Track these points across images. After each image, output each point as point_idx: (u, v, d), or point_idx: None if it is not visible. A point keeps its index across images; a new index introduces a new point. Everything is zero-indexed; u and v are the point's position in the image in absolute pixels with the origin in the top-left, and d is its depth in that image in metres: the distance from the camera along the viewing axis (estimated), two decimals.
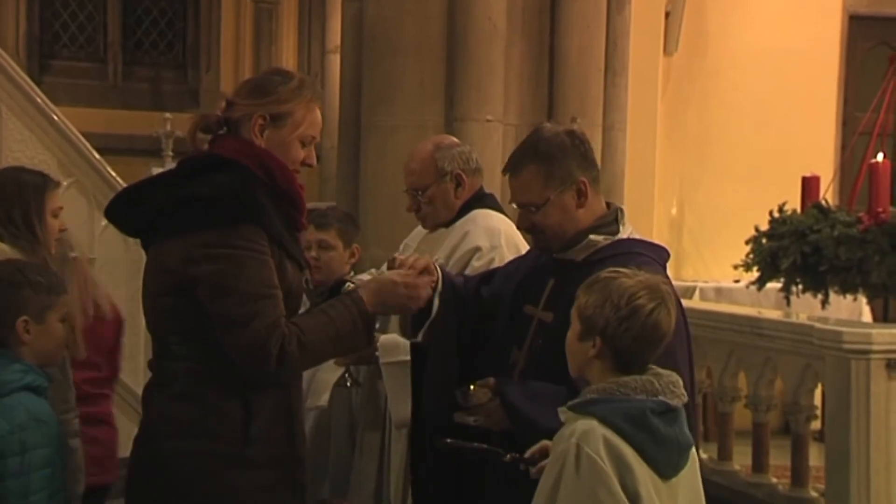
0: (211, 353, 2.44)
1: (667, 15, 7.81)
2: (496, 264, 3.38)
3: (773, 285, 5.96)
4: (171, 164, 6.53)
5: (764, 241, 5.88)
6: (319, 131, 2.64)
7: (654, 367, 2.29)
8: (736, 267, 6.17)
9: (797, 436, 4.79)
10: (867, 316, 6.89)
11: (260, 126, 2.54)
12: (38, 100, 5.51)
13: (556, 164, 2.68)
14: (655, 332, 2.26)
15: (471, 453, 2.59)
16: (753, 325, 4.85)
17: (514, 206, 2.78)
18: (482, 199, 3.61)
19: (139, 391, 2.70)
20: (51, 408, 2.75)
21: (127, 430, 3.14)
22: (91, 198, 5.51)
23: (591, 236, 2.69)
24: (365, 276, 3.63)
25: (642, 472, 2.18)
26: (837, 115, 8.64)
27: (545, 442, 2.36)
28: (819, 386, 4.64)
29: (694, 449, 2.36)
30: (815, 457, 4.84)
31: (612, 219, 2.75)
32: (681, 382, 2.30)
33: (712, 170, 8.22)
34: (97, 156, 5.61)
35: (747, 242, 6.01)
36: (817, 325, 4.36)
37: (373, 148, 5.16)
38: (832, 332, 4.22)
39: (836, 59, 8.58)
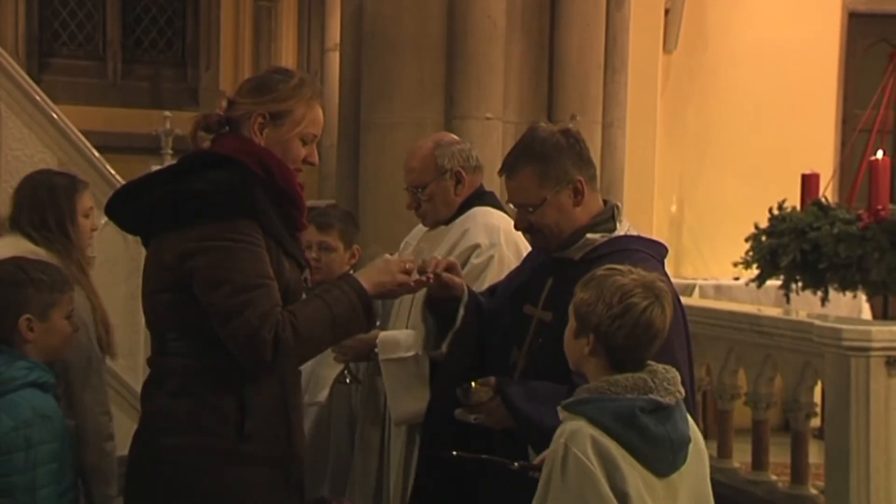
0: (208, 350, 2.44)
1: (666, 12, 7.82)
2: (495, 262, 3.39)
3: (773, 283, 5.95)
4: (170, 163, 6.51)
5: (763, 238, 5.88)
6: (321, 129, 2.64)
7: (651, 363, 2.29)
8: (735, 264, 6.17)
9: (797, 433, 4.80)
10: (867, 313, 6.89)
11: (259, 124, 2.55)
12: (38, 98, 5.51)
13: (551, 164, 2.69)
14: (649, 330, 2.26)
15: (479, 464, 2.57)
16: (753, 323, 4.85)
17: (512, 206, 2.79)
18: (482, 197, 3.61)
19: (139, 389, 2.71)
20: (56, 404, 2.77)
21: (127, 428, 3.13)
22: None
23: (589, 234, 2.70)
24: None
25: (632, 472, 2.18)
26: (837, 112, 8.64)
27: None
28: (819, 383, 4.64)
29: (699, 444, 2.35)
30: (815, 454, 4.84)
31: (609, 216, 2.75)
32: (678, 378, 2.29)
33: (712, 167, 8.22)
34: (96, 154, 5.60)
35: (747, 240, 6.01)
36: (817, 322, 4.36)
37: (372, 145, 5.16)
38: (832, 330, 4.22)
39: (836, 57, 8.59)
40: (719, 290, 7.44)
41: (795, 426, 4.80)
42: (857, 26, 8.65)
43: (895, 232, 5.34)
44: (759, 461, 4.99)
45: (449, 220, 3.57)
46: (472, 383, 2.62)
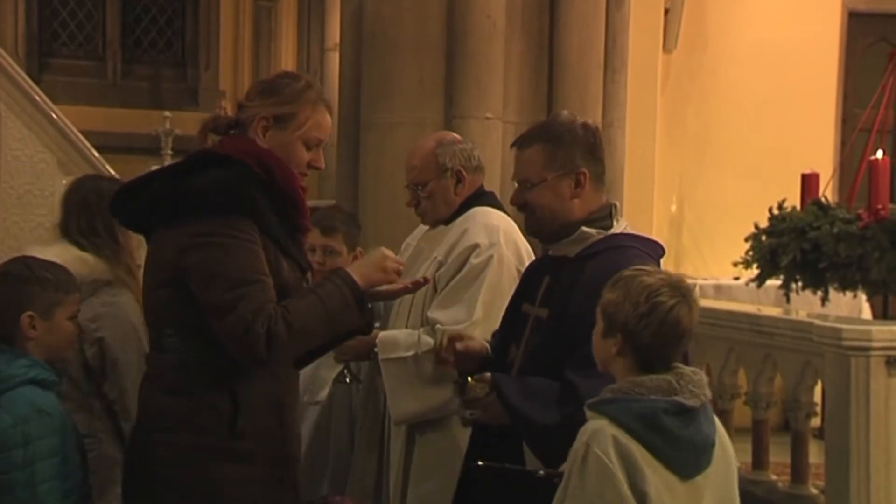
0: (203, 348, 2.46)
1: (666, 12, 7.82)
2: (494, 262, 3.39)
3: (773, 282, 5.94)
4: (170, 163, 6.51)
5: (763, 238, 5.87)
6: (327, 134, 2.64)
7: (679, 365, 2.31)
8: (735, 264, 6.16)
9: (797, 433, 4.80)
10: (867, 313, 6.89)
11: (263, 127, 2.57)
12: (38, 98, 5.51)
13: (561, 148, 2.73)
14: (676, 328, 2.28)
15: (505, 474, 2.55)
16: (753, 323, 4.85)
17: (515, 183, 2.80)
18: (482, 197, 3.61)
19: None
20: (58, 402, 2.76)
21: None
22: None
23: (584, 228, 2.71)
24: None
25: (653, 473, 2.19)
26: (837, 111, 8.64)
27: None
28: (819, 383, 4.64)
29: (725, 447, 2.35)
30: (815, 454, 4.84)
31: (606, 213, 2.77)
32: (705, 381, 2.30)
33: (712, 167, 8.22)
34: (96, 154, 5.61)
35: (747, 239, 6.00)
36: (817, 322, 4.36)
37: (372, 145, 5.15)
38: (832, 329, 4.22)
39: (836, 56, 8.59)
40: (719, 290, 7.43)
41: (795, 426, 4.80)
42: (857, 26, 8.65)
43: (895, 231, 5.34)
44: (759, 461, 5.00)
45: (449, 220, 3.57)
46: (469, 379, 2.63)
